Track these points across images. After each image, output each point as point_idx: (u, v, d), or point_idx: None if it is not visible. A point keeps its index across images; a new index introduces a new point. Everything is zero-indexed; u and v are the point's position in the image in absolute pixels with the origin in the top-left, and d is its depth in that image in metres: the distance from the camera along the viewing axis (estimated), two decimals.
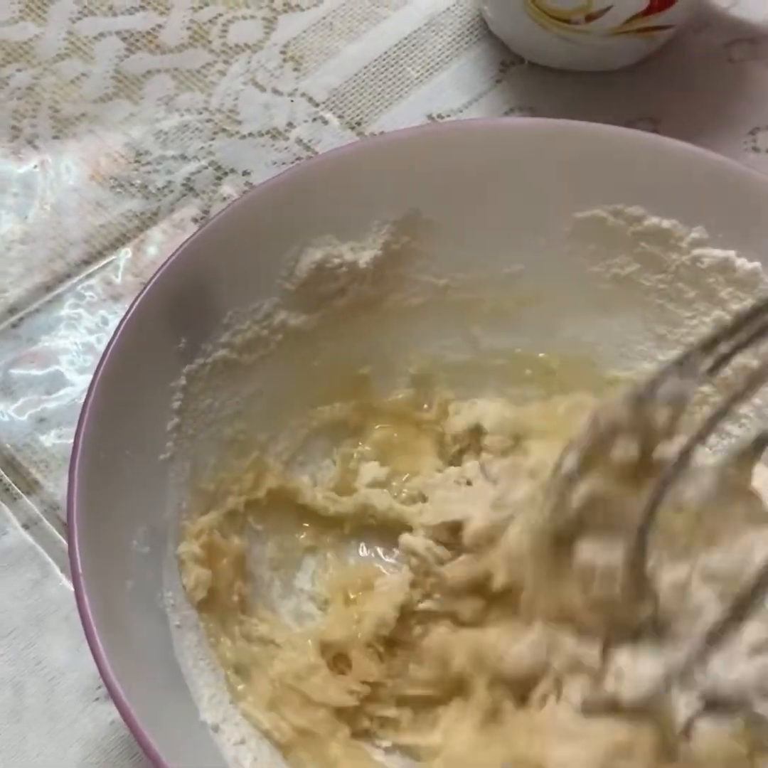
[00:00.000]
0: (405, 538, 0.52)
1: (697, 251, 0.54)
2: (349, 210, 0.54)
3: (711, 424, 0.45)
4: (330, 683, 0.50)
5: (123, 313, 0.50)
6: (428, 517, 0.53)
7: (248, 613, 0.51)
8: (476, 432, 0.55)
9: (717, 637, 0.43)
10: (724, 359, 0.45)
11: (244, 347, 0.53)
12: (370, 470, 0.56)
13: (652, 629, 0.45)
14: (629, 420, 0.46)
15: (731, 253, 0.53)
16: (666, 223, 0.54)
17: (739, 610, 0.42)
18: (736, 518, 0.46)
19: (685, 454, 0.44)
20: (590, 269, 0.56)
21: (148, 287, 0.50)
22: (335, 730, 0.49)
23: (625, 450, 0.46)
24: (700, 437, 0.45)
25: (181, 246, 0.51)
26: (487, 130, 0.55)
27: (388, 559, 0.55)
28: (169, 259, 0.51)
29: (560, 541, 0.47)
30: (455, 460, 0.56)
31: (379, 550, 0.55)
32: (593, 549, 0.46)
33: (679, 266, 0.54)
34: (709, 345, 0.45)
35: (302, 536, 0.55)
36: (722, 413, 0.45)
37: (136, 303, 0.49)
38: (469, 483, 0.53)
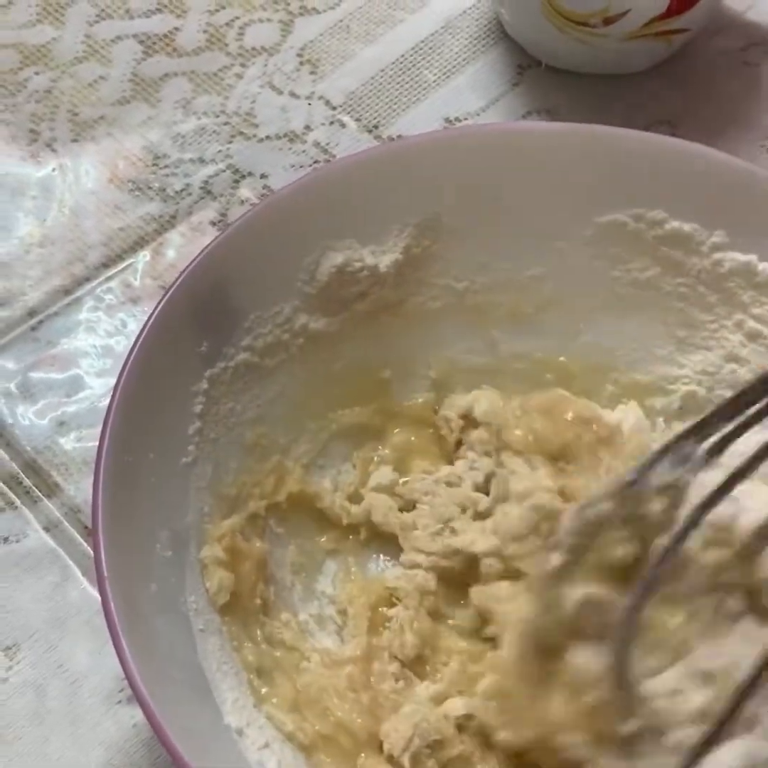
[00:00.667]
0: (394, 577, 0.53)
1: (717, 255, 0.54)
2: (370, 214, 0.54)
3: (702, 510, 0.42)
4: (354, 707, 0.49)
5: (142, 316, 0.50)
6: (420, 543, 0.53)
7: (270, 617, 0.51)
8: (468, 421, 0.55)
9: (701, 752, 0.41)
10: (727, 441, 0.43)
11: (265, 351, 0.53)
12: (378, 476, 0.56)
13: (648, 740, 0.43)
14: (618, 513, 0.44)
15: (753, 257, 0.53)
16: (687, 227, 0.54)
17: (719, 728, 0.40)
18: (728, 613, 0.44)
19: (671, 549, 0.42)
20: (611, 273, 0.56)
21: (171, 291, 0.50)
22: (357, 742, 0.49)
23: (619, 547, 0.44)
24: (692, 524, 0.42)
25: (203, 250, 0.51)
26: (508, 134, 0.56)
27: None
28: (191, 263, 0.51)
29: (548, 647, 0.45)
30: (455, 453, 0.56)
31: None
32: (586, 654, 0.44)
33: (700, 270, 0.54)
34: (701, 428, 0.43)
35: (323, 539, 0.55)
36: (717, 497, 0.42)
37: (159, 306, 0.49)
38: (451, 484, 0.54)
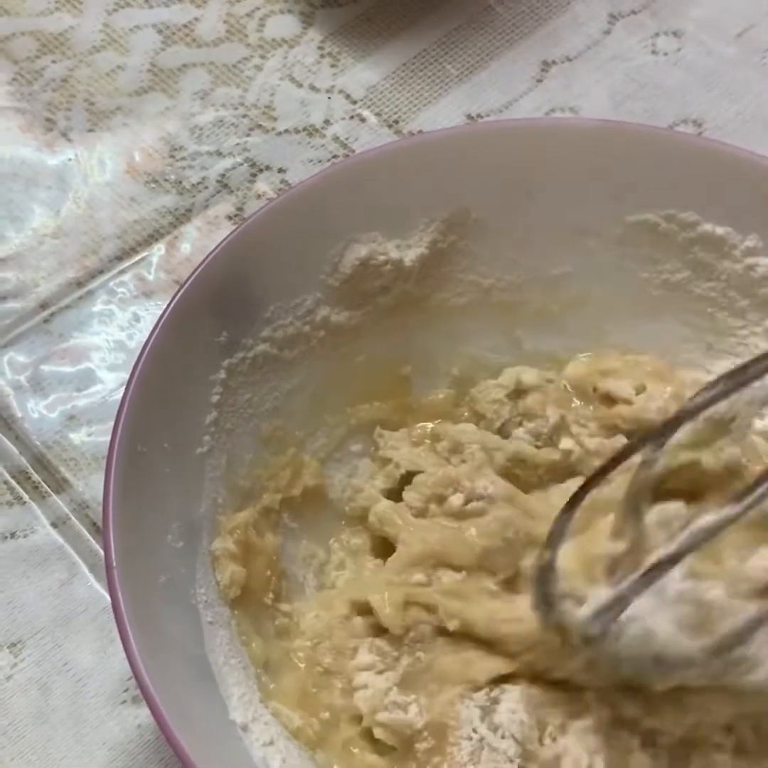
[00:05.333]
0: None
1: (750, 260, 0.53)
2: (397, 207, 0.53)
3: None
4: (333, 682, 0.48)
5: (155, 311, 0.50)
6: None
7: (282, 612, 0.50)
8: (515, 396, 0.54)
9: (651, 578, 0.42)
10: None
11: (285, 342, 0.52)
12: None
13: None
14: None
15: None
16: (720, 230, 0.53)
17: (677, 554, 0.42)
18: None
19: None
20: (640, 274, 0.54)
21: (192, 279, 0.49)
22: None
23: None
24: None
25: (225, 238, 0.50)
26: (539, 129, 0.54)
27: None
28: (213, 250, 0.50)
29: None
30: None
31: None
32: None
33: (732, 274, 0.53)
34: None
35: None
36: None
37: (179, 294, 0.48)
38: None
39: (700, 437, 0.47)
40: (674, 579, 0.43)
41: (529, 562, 0.48)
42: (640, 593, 0.42)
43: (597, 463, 0.49)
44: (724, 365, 0.54)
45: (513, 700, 0.47)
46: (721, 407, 0.46)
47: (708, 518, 0.43)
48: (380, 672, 0.48)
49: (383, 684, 0.47)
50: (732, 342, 0.54)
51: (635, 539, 0.45)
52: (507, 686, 0.47)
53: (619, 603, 0.42)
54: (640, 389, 0.52)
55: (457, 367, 0.56)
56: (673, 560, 0.42)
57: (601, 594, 0.43)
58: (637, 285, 0.55)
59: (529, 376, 0.54)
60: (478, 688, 0.47)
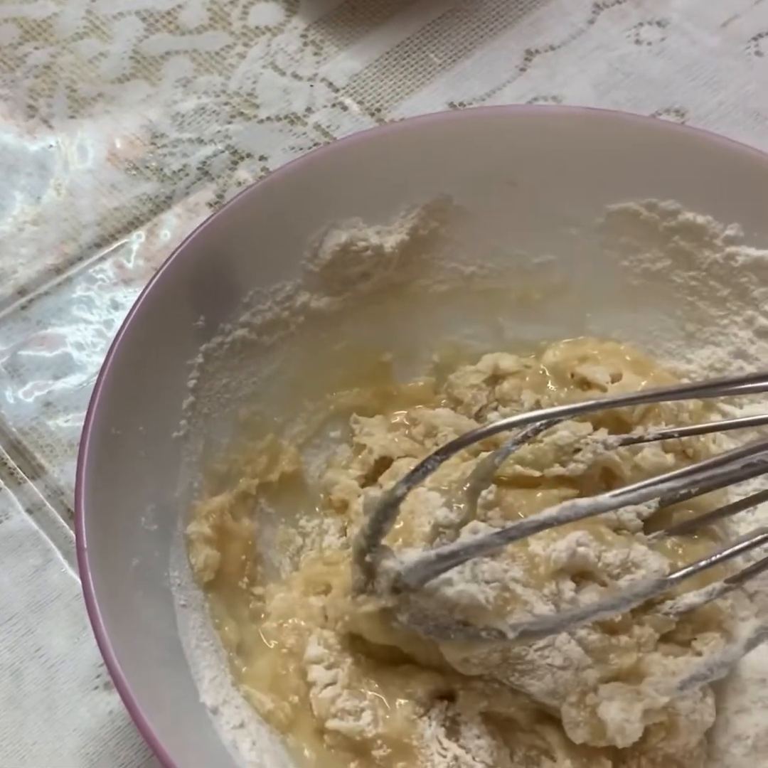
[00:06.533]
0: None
1: (731, 249, 0.53)
2: (378, 193, 0.52)
3: None
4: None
5: (134, 298, 0.49)
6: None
7: (256, 596, 0.50)
8: (493, 381, 0.54)
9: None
10: None
11: (263, 328, 0.52)
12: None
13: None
14: None
15: (766, 253, 0.52)
16: (701, 219, 0.53)
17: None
18: None
19: None
20: (621, 263, 0.54)
21: (169, 263, 0.49)
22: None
23: None
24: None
25: (204, 222, 0.50)
26: (522, 117, 0.54)
27: None
28: (192, 234, 0.50)
29: None
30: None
31: None
32: None
33: (712, 263, 0.53)
34: None
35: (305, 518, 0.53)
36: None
37: (156, 278, 0.48)
38: None
39: (544, 458, 0.49)
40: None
41: None
42: (472, 556, 0.43)
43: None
44: (704, 355, 0.55)
45: (473, 723, 0.46)
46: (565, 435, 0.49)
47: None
48: (330, 667, 0.47)
49: (331, 692, 0.47)
50: (712, 331, 0.54)
51: (465, 517, 0.46)
52: (458, 704, 0.47)
53: (448, 559, 0.42)
54: (617, 377, 0.52)
55: (438, 354, 0.56)
56: (510, 537, 0.42)
57: (428, 552, 0.43)
58: (618, 273, 0.55)
59: (506, 361, 0.54)
60: (424, 704, 0.47)
